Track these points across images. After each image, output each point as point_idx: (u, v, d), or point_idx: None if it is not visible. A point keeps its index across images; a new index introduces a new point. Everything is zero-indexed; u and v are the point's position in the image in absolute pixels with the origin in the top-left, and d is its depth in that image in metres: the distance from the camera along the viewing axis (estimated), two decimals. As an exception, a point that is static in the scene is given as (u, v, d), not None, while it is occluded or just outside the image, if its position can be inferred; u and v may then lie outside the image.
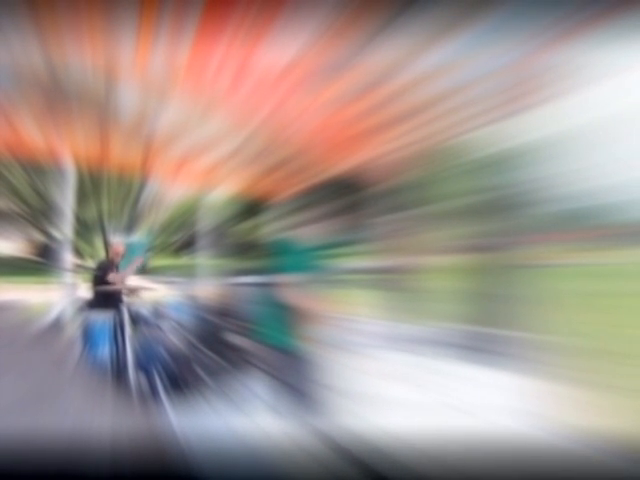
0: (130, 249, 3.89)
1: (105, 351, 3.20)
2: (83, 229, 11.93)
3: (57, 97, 2.82)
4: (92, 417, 2.13)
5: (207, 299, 4.39)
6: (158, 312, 3.68)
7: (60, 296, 3.88)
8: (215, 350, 3.24)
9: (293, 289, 1.91)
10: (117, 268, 3.74)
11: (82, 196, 11.32)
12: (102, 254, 12.12)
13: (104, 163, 4.35)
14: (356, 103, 2.83)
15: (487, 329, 3.83)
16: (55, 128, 3.42)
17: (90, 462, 1.68)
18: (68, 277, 3.93)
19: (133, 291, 3.69)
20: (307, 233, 2.09)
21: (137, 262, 3.83)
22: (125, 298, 3.57)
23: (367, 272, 5.17)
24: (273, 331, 2.01)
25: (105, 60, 2.32)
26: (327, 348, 2.00)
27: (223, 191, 6.43)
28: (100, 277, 3.52)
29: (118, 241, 3.92)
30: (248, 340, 3.24)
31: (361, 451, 1.91)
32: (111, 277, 3.49)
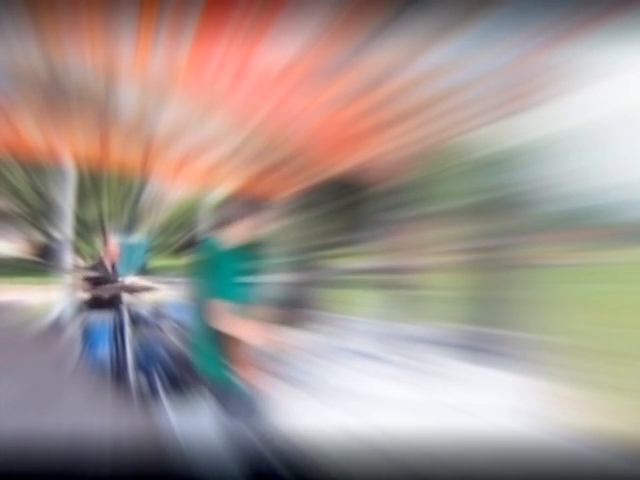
0: (129, 249, 3.88)
1: (105, 351, 3.20)
2: (83, 229, 11.92)
3: (57, 97, 2.82)
4: (92, 417, 2.13)
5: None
6: (158, 312, 3.67)
7: (60, 296, 3.88)
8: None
9: (223, 311, 1.50)
10: (114, 268, 3.75)
11: (82, 196, 11.30)
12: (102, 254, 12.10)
13: (104, 163, 4.35)
14: (356, 103, 2.83)
15: (487, 329, 3.83)
16: (55, 128, 3.41)
17: (90, 462, 1.68)
18: (68, 277, 3.93)
19: (131, 291, 3.68)
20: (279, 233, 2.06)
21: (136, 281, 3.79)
22: (124, 298, 3.57)
23: (367, 272, 5.17)
24: (205, 357, 1.65)
25: (105, 60, 2.32)
26: (268, 381, 1.67)
27: (223, 191, 6.43)
28: (95, 278, 3.54)
29: (113, 242, 3.92)
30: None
31: (361, 451, 1.91)
32: (115, 285, 3.50)
